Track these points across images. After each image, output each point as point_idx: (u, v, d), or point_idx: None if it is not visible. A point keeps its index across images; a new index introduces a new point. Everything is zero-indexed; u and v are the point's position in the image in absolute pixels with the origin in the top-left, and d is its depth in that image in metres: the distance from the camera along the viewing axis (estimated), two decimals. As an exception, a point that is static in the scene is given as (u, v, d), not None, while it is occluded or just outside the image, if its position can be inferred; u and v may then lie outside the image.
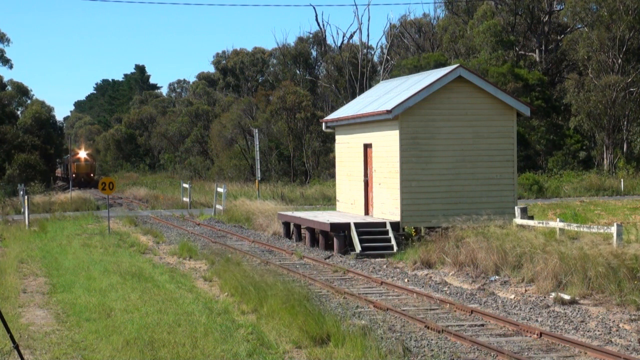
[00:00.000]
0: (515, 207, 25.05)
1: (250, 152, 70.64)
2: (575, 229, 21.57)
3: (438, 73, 28.78)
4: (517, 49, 71.34)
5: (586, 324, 15.81)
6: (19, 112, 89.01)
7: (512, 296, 18.78)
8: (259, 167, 49.44)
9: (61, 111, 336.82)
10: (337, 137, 33.19)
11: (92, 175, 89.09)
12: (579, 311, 16.86)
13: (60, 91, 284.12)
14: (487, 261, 21.38)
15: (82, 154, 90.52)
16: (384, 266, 24.24)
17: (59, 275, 21.75)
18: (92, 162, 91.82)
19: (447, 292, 19.66)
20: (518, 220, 23.91)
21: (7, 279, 20.72)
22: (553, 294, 18.12)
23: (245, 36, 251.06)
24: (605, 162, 64.59)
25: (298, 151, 72.95)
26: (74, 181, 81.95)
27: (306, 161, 72.34)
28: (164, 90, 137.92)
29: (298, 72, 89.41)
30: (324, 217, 29.95)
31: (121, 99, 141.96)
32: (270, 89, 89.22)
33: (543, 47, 72.64)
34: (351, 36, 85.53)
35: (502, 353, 13.31)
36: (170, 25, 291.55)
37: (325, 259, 26.04)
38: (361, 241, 26.70)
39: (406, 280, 21.61)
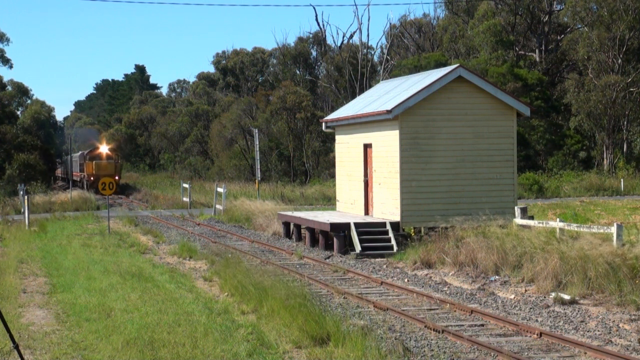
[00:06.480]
0: (515, 207, 25.03)
1: (250, 152, 70.60)
2: (575, 229, 21.55)
3: (438, 73, 28.77)
4: (517, 49, 71.32)
5: (586, 324, 15.80)
6: (18, 112, 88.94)
7: (512, 296, 18.77)
8: (259, 167, 49.43)
9: (61, 111, 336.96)
10: (337, 137, 33.18)
11: (117, 178, 66.33)
12: (579, 311, 16.85)
13: (60, 91, 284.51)
14: (487, 261, 21.38)
15: (104, 148, 73.01)
16: (384, 266, 24.23)
17: (59, 275, 21.74)
18: (116, 160, 73.13)
19: (447, 292, 19.65)
20: (518, 220, 23.89)
21: (7, 279, 20.71)
22: (553, 294, 18.12)
23: (245, 36, 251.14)
24: (605, 162, 64.58)
25: (298, 151, 72.94)
26: (92, 186, 65.91)
27: (306, 161, 72.32)
28: (164, 90, 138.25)
29: (298, 72, 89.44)
30: (324, 217, 29.93)
31: (121, 99, 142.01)
32: (270, 89, 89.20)
33: (543, 47, 72.60)
34: (351, 36, 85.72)
35: (502, 353, 13.30)
36: (170, 25, 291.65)
37: (325, 259, 26.03)
38: (361, 241, 26.68)
39: (406, 280, 21.60)
